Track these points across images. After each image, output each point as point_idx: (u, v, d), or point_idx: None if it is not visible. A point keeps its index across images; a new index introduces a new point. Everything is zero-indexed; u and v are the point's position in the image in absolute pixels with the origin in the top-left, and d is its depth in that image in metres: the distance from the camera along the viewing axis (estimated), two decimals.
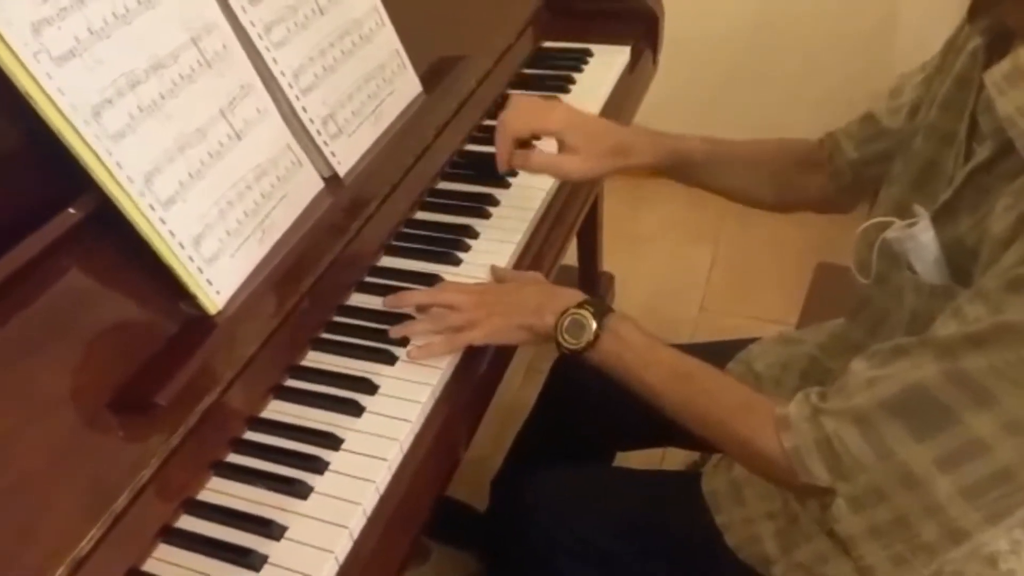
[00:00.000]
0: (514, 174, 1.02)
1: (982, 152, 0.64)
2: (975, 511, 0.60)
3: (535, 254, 0.99)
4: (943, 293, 0.66)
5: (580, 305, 0.79)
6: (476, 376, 0.84)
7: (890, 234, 0.70)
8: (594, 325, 0.77)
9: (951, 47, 0.76)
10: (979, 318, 0.58)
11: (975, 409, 0.58)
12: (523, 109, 0.93)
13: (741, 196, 1.01)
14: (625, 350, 0.77)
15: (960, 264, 0.66)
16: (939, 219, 0.68)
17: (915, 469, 0.60)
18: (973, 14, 0.69)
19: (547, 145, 0.97)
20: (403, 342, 0.83)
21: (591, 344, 0.77)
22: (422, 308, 0.85)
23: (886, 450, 0.61)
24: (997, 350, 0.56)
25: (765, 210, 1.03)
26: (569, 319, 0.78)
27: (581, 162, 0.92)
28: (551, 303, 0.80)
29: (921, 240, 0.67)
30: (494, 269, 0.92)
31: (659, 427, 0.81)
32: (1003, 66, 0.61)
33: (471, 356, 0.84)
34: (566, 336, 0.78)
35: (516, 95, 1.00)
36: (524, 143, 0.95)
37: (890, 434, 0.61)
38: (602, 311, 0.78)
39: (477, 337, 0.82)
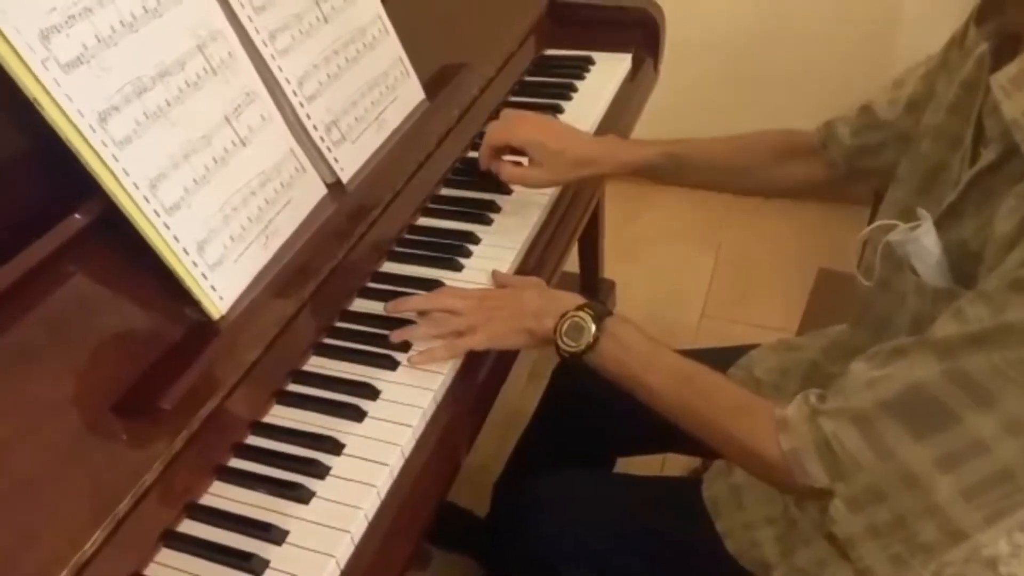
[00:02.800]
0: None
1: (987, 155, 0.64)
2: (975, 511, 0.60)
3: (536, 260, 1.00)
4: (945, 296, 0.66)
5: (579, 308, 0.79)
6: (478, 381, 0.84)
7: (893, 237, 0.70)
8: (593, 328, 0.77)
9: (954, 44, 0.77)
10: (980, 318, 0.58)
11: (976, 409, 0.57)
12: (501, 123, 1.02)
13: (722, 188, 1.07)
14: (624, 352, 0.77)
15: (963, 267, 0.66)
16: (943, 222, 0.68)
17: (915, 469, 0.60)
18: (980, 19, 0.69)
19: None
20: (404, 347, 0.84)
21: (590, 347, 0.77)
22: (423, 313, 0.86)
23: (886, 450, 0.61)
24: (998, 350, 0.56)
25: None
26: (568, 322, 0.79)
27: (542, 175, 1.00)
28: (550, 307, 0.81)
29: (924, 243, 0.68)
30: (495, 274, 0.93)
31: (660, 433, 0.81)
32: (1009, 69, 0.61)
33: (472, 361, 0.84)
34: (565, 339, 0.78)
35: (507, 111, 1.06)
36: (515, 151, 1.02)
37: (890, 434, 0.61)
38: (601, 314, 0.79)
39: (478, 342, 0.82)
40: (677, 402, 0.75)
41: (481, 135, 1.16)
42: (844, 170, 0.94)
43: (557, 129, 1.03)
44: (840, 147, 0.93)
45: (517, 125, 1.01)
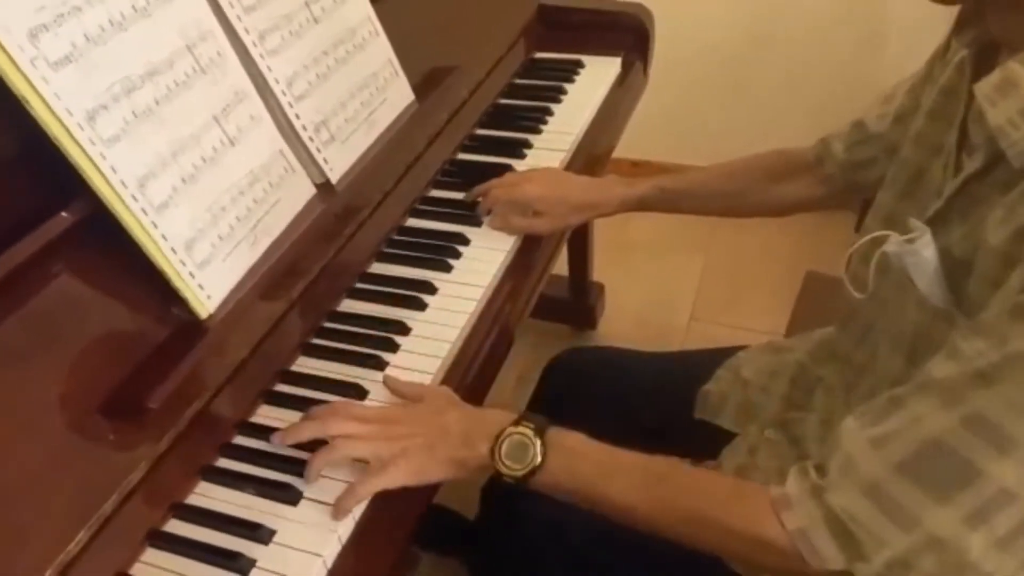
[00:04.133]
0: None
1: (972, 163, 0.64)
2: (1011, 559, 0.55)
3: (525, 263, 1.00)
4: (944, 316, 0.64)
5: (516, 423, 0.71)
6: (465, 383, 0.84)
7: (890, 248, 0.68)
8: (539, 443, 0.69)
9: (937, 56, 0.78)
10: (982, 352, 0.54)
11: (997, 457, 0.53)
12: (504, 187, 1.03)
13: (722, 214, 1.09)
14: (579, 463, 0.70)
15: (951, 276, 0.64)
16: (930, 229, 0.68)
17: (942, 534, 0.55)
18: (959, 26, 0.70)
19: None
20: (394, 346, 0.84)
21: (538, 466, 0.69)
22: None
23: (908, 520, 0.56)
24: (1009, 384, 0.52)
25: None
26: (507, 441, 0.70)
27: (546, 223, 1.02)
28: (480, 428, 0.72)
29: (924, 255, 0.65)
30: (390, 382, 0.79)
31: (649, 434, 0.81)
32: (992, 78, 0.62)
33: (460, 362, 0.84)
34: (507, 462, 0.70)
35: (509, 175, 1.07)
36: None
37: (909, 501, 0.56)
38: (542, 426, 0.71)
39: (394, 479, 0.70)
40: (653, 506, 0.67)
41: (471, 137, 1.17)
42: (840, 185, 0.94)
43: (557, 178, 1.06)
44: (835, 162, 0.94)
45: (519, 184, 1.02)
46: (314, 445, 0.72)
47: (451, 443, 0.71)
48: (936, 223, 0.66)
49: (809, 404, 0.88)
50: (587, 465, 0.70)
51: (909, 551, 0.56)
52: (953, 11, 0.69)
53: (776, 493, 0.62)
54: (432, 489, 0.77)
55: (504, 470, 0.70)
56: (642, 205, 1.05)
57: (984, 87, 0.62)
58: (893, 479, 0.56)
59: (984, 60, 0.66)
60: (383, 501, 0.72)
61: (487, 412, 0.75)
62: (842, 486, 0.59)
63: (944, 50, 0.76)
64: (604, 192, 1.05)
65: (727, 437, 0.91)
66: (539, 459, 0.69)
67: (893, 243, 0.67)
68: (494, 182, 1.04)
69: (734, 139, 2.10)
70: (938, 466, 0.55)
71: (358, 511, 0.70)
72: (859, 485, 0.58)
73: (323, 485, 0.72)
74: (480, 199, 1.04)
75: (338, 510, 0.69)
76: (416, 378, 0.81)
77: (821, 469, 0.62)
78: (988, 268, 0.60)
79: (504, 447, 0.70)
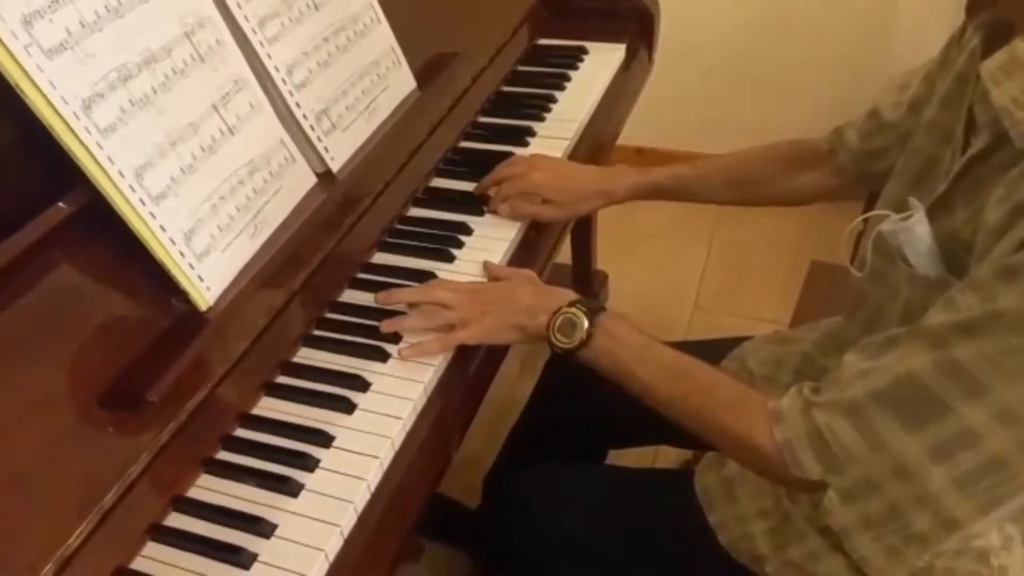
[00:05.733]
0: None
1: (977, 143, 0.64)
2: (967, 501, 0.60)
3: (529, 251, 0.99)
4: (937, 285, 0.66)
5: (572, 304, 0.79)
6: (469, 373, 0.84)
7: (885, 227, 0.70)
8: (586, 323, 0.77)
9: (953, 43, 0.76)
10: (970, 307, 0.58)
11: (967, 399, 0.57)
12: (512, 175, 1.01)
13: (735, 204, 1.07)
14: (618, 348, 0.77)
15: (955, 257, 0.66)
16: (935, 212, 0.68)
17: (907, 460, 0.60)
18: (971, 10, 0.69)
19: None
20: (395, 338, 0.83)
21: (583, 343, 0.77)
22: (414, 304, 0.85)
23: (878, 441, 0.61)
24: (988, 338, 0.56)
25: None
26: (561, 318, 0.79)
27: (556, 211, 1.02)
28: (543, 302, 0.80)
29: (916, 232, 0.68)
30: (487, 265, 0.92)
31: (652, 425, 0.81)
32: (999, 57, 0.61)
33: (464, 354, 0.84)
34: (558, 335, 0.78)
35: (514, 157, 1.05)
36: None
37: (882, 425, 0.61)
38: (594, 310, 0.78)
39: (470, 336, 0.81)
40: (671, 396, 0.75)
41: (474, 124, 1.16)
42: (854, 175, 0.94)
43: (567, 169, 1.05)
44: (849, 152, 0.93)
45: (528, 173, 1.00)
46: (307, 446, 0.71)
47: (520, 312, 0.81)
48: (942, 206, 0.67)
49: None
50: (623, 351, 0.77)
51: (876, 470, 0.62)
52: (960, 0, 0.68)
53: (772, 406, 0.68)
54: (434, 482, 0.77)
55: (555, 341, 0.79)
56: (655, 193, 1.04)
57: (989, 66, 0.61)
58: (870, 404, 0.62)
59: (996, 42, 0.65)
60: (387, 489, 0.71)
61: (555, 291, 0.83)
62: (827, 405, 0.64)
63: (960, 35, 0.75)
64: (614, 180, 1.04)
65: None
66: (584, 336, 0.77)
67: (888, 222, 0.70)
68: (502, 172, 1.02)
69: (740, 126, 2.09)
70: (910, 399, 0.60)
71: (360, 503, 0.70)
72: (841, 406, 0.63)
73: (325, 478, 0.71)
74: (490, 192, 1.02)
75: (419, 352, 0.80)
76: (419, 368, 0.80)
77: (816, 390, 0.67)
78: (984, 243, 0.61)
79: (558, 322, 0.79)
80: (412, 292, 0.85)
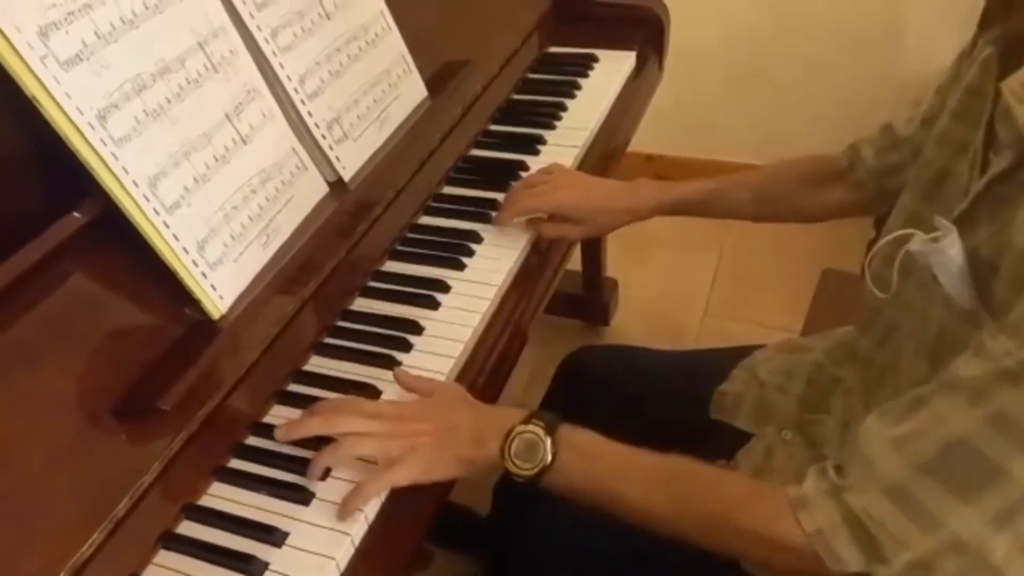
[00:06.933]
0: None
1: (1000, 162, 0.63)
2: None
3: (540, 259, 0.99)
4: (970, 318, 0.63)
5: (526, 421, 0.70)
6: (478, 383, 0.84)
7: (914, 247, 0.67)
8: (548, 442, 0.68)
9: (964, 56, 0.76)
10: (1009, 352, 0.53)
11: (1021, 456, 0.53)
12: (531, 192, 0.98)
13: (756, 219, 1.05)
14: (591, 464, 0.69)
15: (979, 275, 0.63)
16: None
17: (965, 535, 0.55)
18: (985, 24, 0.68)
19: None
20: (408, 346, 0.83)
21: (548, 466, 0.68)
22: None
23: (931, 521, 0.55)
24: None
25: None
26: (516, 441, 0.69)
27: (583, 231, 1.00)
28: (491, 426, 0.71)
29: (950, 255, 0.64)
30: (400, 376, 0.77)
31: (663, 436, 0.80)
32: (1021, 75, 0.60)
33: (472, 363, 0.83)
34: (517, 462, 0.69)
35: (531, 174, 1.04)
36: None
37: (932, 501, 0.55)
38: (553, 423, 0.70)
39: (403, 477, 0.69)
40: (672, 507, 0.66)
41: (485, 133, 1.16)
42: (872, 191, 0.93)
43: (586, 184, 1.02)
44: (865, 168, 0.92)
45: (551, 192, 0.98)
46: (321, 442, 0.71)
47: (461, 441, 0.71)
48: (963, 223, 0.65)
49: (827, 406, 0.86)
50: (601, 465, 0.69)
51: (931, 553, 0.56)
52: (977, 5, 0.68)
53: (794, 493, 0.61)
54: (446, 488, 0.77)
55: (514, 469, 0.69)
56: (678, 209, 1.02)
57: (1012, 83, 0.60)
58: (915, 479, 0.56)
59: (1011, 57, 0.64)
60: (396, 501, 0.71)
61: (498, 410, 0.74)
62: (862, 487, 0.58)
63: (971, 48, 0.75)
64: (639, 196, 1.02)
65: (743, 438, 0.90)
66: (549, 458, 0.68)
67: (917, 242, 0.66)
68: (521, 193, 0.99)
69: (750, 133, 2.09)
70: (962, 466, 0.54)
71: (371, 511, 0.70)
72: (880, 485, 0.57)
73: (335, 486, 0.71)
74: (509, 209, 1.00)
75: (345, 510, 0.68)
76: (431, 376, 0.80)
77: (840, 470, 0.61)
78: (1014, 270, 0.58)
79: (514, 446, 0.69)
80: (317, 422, 0.71)
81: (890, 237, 0.72)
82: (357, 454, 0.70)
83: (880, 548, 0.57)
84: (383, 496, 0.71)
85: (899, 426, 0.58)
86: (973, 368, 0.55)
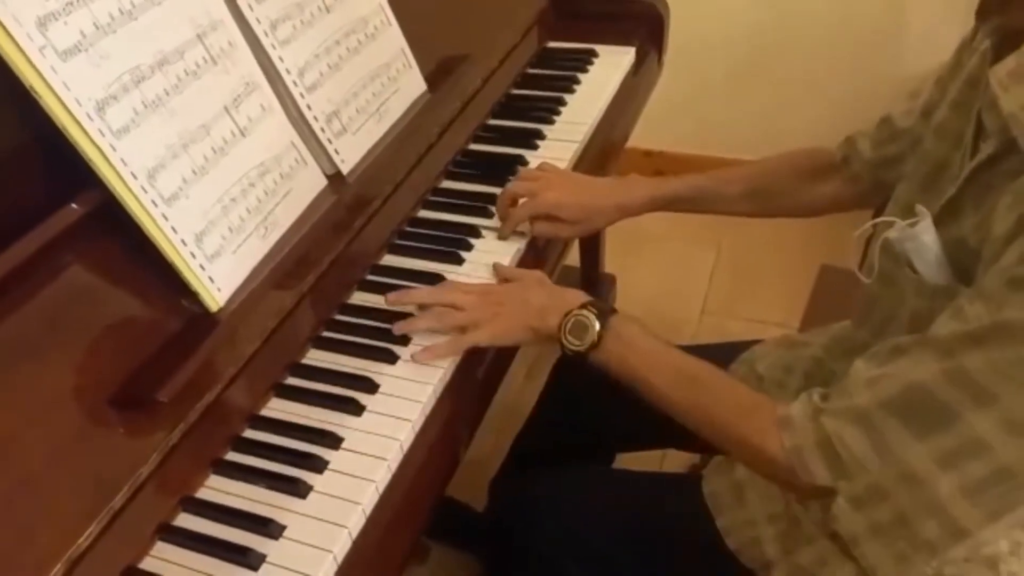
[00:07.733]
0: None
1: (985, 149, 0.64)
2: (975, 509, 0.60)
3: (537, 254, 0.99)
4: (945, 293, 0.66)
5: (583, 306, 0.79)
6: (477, 376, 0.84)
7: (891, 234, 0.71)
8: (597, 326, 0.77)
9: (964, 46, 0.76)
10: (979, 316, 0.58)
11: (975, 408, 0.58)
12: (526, 194, 0.98)
13: (752, 215, 1.05)
14: (629, 352, 0.77)
15: (963, 264, 0.66)
16: (942, 218, 0.68)
17: (916, 468, 0.61)
18: (981, 15, 0.68)
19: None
20: (404, 340, 0.83)
21: (594, 345, 0.77)
22: (425, 306, 0.85)
23: (887, 449, 0.62)
24: (997, 349, 0.57)
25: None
26: (572, 320, 0.79)
27: (576, 229, 1.01)
28: (555, 304, 0.81)
29: (923, 240, 0.68)
30: (497, 267, 0.92)
31: (660, 429, 0.81)
32: (1008, 63, 0.61)
33: (472, 356, 0.84)
34: (569, 337, 0.79)
35: (525, 171, 1.04)
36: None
37: (891, 433, 0.62)
38: (605, 312, 0.79)
39: (482, 338, 0.82)
40: (682, 401, 0.75)
41: (484, 127, 1.16)
42: (869, 184, 0.93)
43: (577, 183, 1.02)
44: (862, 161, 0.93)
45: (542, 193, 0.98)
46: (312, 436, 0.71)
47: (530, 313, 0.82)
48: (949, 212, 0.67)
49: None
50: (634, 354, 0.77)
51: (885, 478, 0.62)
52: (970, 4, 0.68)
53: (782, 413, 0.68)
54: (442, 484, 0.77)
55: (566, 343, 0.79)
56: (670, 204, 1.03)
57: (998, 71, 0.61)
58: (879, 412, 0.62)
59: (1006, 48, 0.65)
60: (394, 495, 0.71)
61: (566, 292, 0.83)
62: (837, 413, 0.65)
63: (972, 38, 0.75)
64: (630, 193, 1.02)
65: None
66: (596, 340, 0.77)
67: (895, 228, 0.70)
68: (516, 189, 0.99)
69: (749, 129, 2.08)
70: (919, 407, 0.60)
71: (369, 505, 0.70)
72: (851, 413, 0.64)
73: (333, 480, 0.71)
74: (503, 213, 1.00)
75: (426, 356, 0.80)
76: (427, 370, 0.80)
77: (825, 397, 0.68)
78: (991, 254, 0.61)
79: (570, 324, 0.79)
80: (423, 293, 0.85)
81: (870, 223, 0.75)
82: (452, 324, 0.82)
83: (844, 467, 0.64)
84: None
85: (877, 369, 0.64)
86: (948, 327, 0.60)
